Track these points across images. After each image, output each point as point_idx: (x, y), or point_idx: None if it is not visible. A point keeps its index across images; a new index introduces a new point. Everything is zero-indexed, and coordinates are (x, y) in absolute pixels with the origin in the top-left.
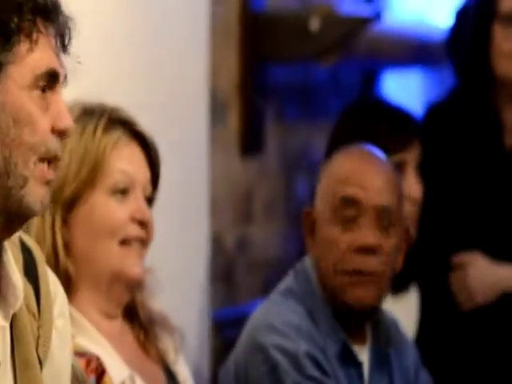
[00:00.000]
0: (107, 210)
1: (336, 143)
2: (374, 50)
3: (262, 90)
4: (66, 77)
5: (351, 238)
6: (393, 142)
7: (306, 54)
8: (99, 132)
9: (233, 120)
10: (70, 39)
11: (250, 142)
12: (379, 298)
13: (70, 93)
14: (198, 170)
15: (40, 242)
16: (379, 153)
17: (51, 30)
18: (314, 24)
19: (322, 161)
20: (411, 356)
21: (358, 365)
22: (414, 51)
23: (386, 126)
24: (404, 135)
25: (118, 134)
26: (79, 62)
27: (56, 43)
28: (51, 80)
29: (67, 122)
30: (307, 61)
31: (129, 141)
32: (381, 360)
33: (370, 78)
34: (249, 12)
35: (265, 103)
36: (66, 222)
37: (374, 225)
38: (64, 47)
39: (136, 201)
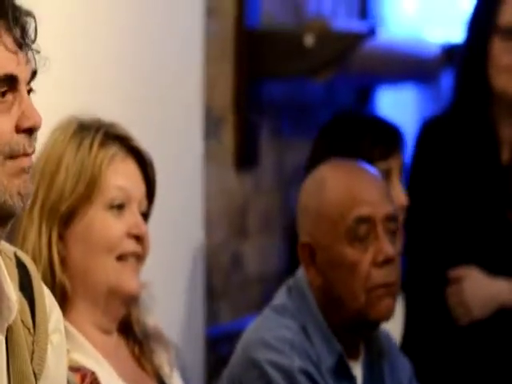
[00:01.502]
0: (104, 225)
1: (317, 157)
2: (368, 65)
3: (257, 106)
4: (34, 73)
5: (371, 254)
6: (376, 150)
7: (300, 70)
8: (95, 147)
9: (228, 135)
10: (30, 32)
11: (245, 158)
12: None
13: (66, 107)
14: (193, 185)
15: (36, 257)
16: (364, 163)
17: (3, 29)
18: (309, 40)
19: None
20: (405, 369)
21: (351, 378)
22: (408, 67)
23: (368, 135)
24: (387, 143)
25: (114, 150)
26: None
27: (14, 40)
28: (9, 83)
29: (32, 119)
30: (302, 77)
31: (125, 156)
32: (374, 374)
33: (365, 94)
34: (244, 28)
35: (260, 119)
36: (62, 238)
37: (386, 235)
38: (25, 42)
39: (132, 216)
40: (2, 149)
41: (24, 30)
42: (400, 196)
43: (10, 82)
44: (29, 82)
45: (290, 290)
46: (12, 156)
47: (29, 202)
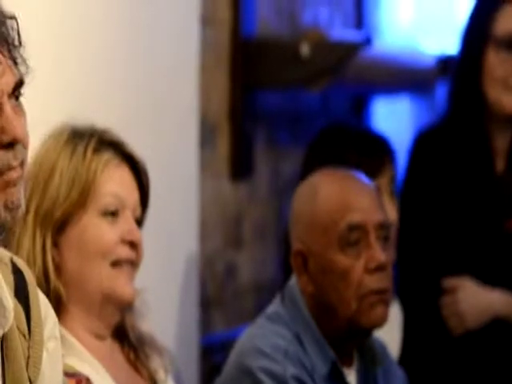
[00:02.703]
0: (98, 231)
1: (308, 168)
2: (364, 75)
3: (253, 115)
4: (20, 82)
5: (364, 261)
6: (363, 168)
7: (296, 80)
8: (89, 154)
9: (223, 144)
10: (10, 39)
11: (240, 167)
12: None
13: (59, 115)
14: (188, 194)
15: (30, 263)
16: (355, 170)
17: None
18: (305, 50)
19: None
20: (398, 377)
21: None
22: (403, 77)
23: (354, 153)
24: (374, 160)
25: (107, 156)
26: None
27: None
28: None
29: (11, 133)
30: (297, 86)
31: (119, 163)
32: (368, 381)
33: (360, 104)
34: (239, 37)
35: (255, 128)
36: (56, 244)
37: (378, 242)
38: (5, 52)
39: (126, 222)
40: None
41: (2, 39)
42: (390, 212)
43: None
44: (14, 91)
45: (283, 298)
46: None
47: (20, 213)
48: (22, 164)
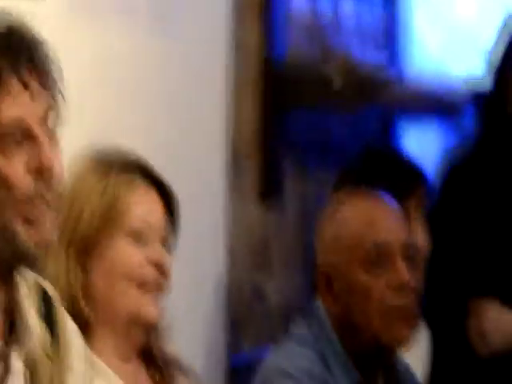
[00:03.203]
0: (125, 253)
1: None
2: (393, 99)
3: (282, 139)
4: (56, 112)
5: (387, 279)
6: (394, 191)
7: (326, 107)
8: (117, 176)
9: (252, 169)
10: (42, 65)
11: (269, 191)
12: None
13: (89, 144)
14: (216, 218)
15: (55, 285)
16: (380, 191)
17: (7, 70)
18: (337, 82)
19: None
20: None
21: None
22: (433, 101)
23: (386, 176)
24: (405, 183)
25: (136, 181)
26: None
27: (19, 81)
28: (20, 132)
29: (43, 162)
30: (328, 110)
31: (147, 186)
32: None
33: (389, 127)
34: (269, 61)
35: (284, 152)
36: (82, 265)
37: (403, 261)
38: (38, 79)
39: (153, 245)
40: (17, 195)
41: (34, 65)
42: (420, 236)
43: (21, 128)
44: (46, 118)
45: (308, 319)
46: (28, 202)
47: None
48: (55, 198)
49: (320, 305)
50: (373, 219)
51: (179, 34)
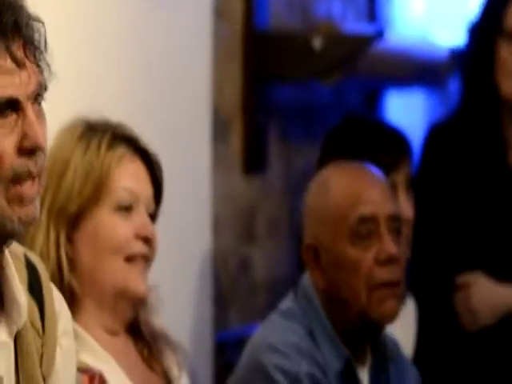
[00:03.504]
0: (112, 226)
1: (322, 164)
2: (377, 68)
3: (265, 109)
4: (43, 87)
5: (375, 253)
6: (380, 163)
7: (309, 73)
8: (103, 148)
9: (235, 139)
10: (36, 42)
11: (253, 161)
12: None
13: (72, 110)
14: (201, 189)
15: (44, 258)
16: (367, 163)
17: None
18: (317, 43)
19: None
20: (411, 376)
21: (358, 383)
22: (416, 70)
23: (371, 148)
24: (391, 156)
25: (121, 151)
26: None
27: (12, 59)
28: (10, 105)
29: (32, 140)
30: (310, 80)
31: (132, 157)
32: (381, 379)
33: (373, 97)
34: (252, 30)
35: (268, 122)
36: (70, 239)
37: (390, 234)
38: (30, 56)
39: (140, 217)
40: (4, 172)
41: (28, 42)
42: (405, 209)
43: (11, 103)
44: (37, 96)
45: (296, 293)
46: (15, 179)
47: (33, 223)
48: (41, 172)
49: (308, 279)
50: (357, 192)
51: (163, 2)
